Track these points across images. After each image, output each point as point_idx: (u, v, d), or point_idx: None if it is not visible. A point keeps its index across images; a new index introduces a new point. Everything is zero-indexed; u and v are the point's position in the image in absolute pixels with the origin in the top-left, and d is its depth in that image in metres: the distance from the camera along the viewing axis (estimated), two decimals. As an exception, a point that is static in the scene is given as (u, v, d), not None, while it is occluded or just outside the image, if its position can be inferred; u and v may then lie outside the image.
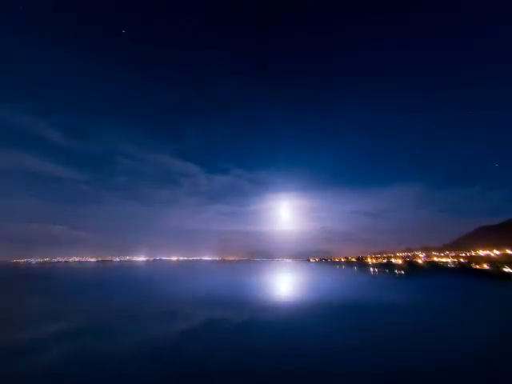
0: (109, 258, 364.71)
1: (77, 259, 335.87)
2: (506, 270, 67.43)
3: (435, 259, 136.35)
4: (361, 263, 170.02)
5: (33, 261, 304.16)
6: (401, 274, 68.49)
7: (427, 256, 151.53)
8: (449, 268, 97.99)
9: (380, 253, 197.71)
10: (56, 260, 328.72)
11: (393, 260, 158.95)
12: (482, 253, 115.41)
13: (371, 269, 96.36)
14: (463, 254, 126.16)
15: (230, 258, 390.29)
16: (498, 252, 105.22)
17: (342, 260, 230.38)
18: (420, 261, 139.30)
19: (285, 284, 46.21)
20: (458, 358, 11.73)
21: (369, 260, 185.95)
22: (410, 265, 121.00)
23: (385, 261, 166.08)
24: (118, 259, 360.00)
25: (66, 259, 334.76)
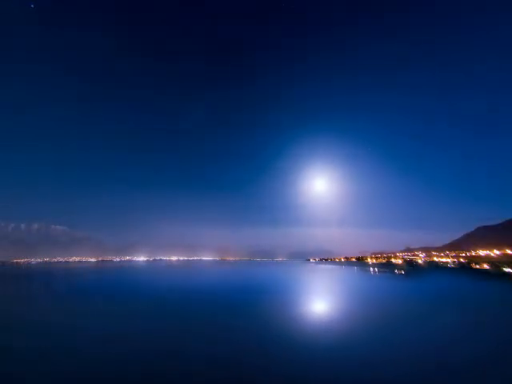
0: (109, 258, 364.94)
1: (77, 259, 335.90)
2: (506, 269, 67.38)
3: (435, 259, 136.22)
4: (361, 263, 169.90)
5: (33, 261, 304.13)
6: (400, 274, 68.49)
7: (427, 256, 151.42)
8: (449, 268, 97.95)
9: (380, 253, 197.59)
10: (56, 260, 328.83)
11: (393, 260, 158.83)
12: (482, 253, 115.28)
13: (371, 269, 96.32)
14: (463, 254, 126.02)
15: (230, 258, 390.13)
16: (498, 252, 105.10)
17: (342, 260, 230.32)
18: (420, 261, 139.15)
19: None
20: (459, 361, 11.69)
21: (369, 260, 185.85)
22: (410, 265, 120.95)
23: (384, 261, 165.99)
24: (118, 259, 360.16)
25: (66, 259, 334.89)
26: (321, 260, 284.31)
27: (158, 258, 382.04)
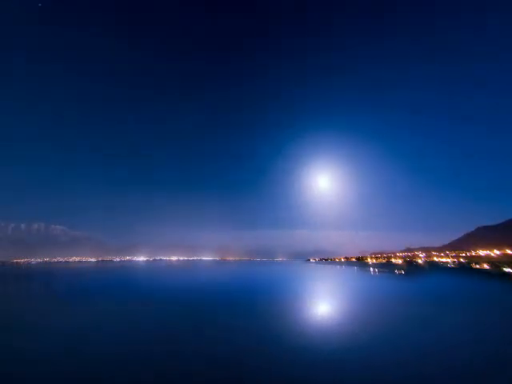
0: (109, 258, 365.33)
1: (77, 259, 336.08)
2: (506, 269, 67.39)
3: (435, 259, 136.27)
4: (361, 263, 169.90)
5: (33, 261, 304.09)
6: (400, 274, 68.45)
7: (427, 256, 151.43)
8: (449, 268, 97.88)
9: (380, 253, 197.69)
10: (56, 260, 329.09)
11: (393, 260, 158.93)
12: (482, 253, 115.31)
13: (371, 269, 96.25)
14: (463, 254, 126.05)
15: (230, 258, 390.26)
16: (498, 252, 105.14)
17: (342, 260, 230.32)
18: (420, 261, 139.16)
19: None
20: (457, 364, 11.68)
21: (369, 260, 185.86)
22: (410, 265, 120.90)
23: (384, 261, 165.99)
24: (118, 259, 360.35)
25: (66, 259, 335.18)
26: (321, 260, 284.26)
27: (158, 258, 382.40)
